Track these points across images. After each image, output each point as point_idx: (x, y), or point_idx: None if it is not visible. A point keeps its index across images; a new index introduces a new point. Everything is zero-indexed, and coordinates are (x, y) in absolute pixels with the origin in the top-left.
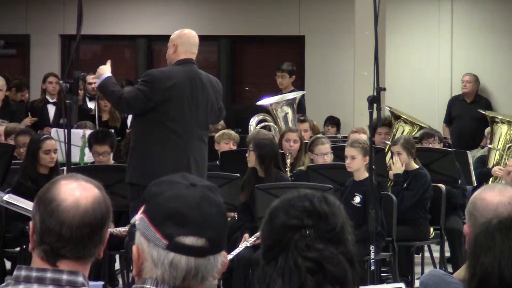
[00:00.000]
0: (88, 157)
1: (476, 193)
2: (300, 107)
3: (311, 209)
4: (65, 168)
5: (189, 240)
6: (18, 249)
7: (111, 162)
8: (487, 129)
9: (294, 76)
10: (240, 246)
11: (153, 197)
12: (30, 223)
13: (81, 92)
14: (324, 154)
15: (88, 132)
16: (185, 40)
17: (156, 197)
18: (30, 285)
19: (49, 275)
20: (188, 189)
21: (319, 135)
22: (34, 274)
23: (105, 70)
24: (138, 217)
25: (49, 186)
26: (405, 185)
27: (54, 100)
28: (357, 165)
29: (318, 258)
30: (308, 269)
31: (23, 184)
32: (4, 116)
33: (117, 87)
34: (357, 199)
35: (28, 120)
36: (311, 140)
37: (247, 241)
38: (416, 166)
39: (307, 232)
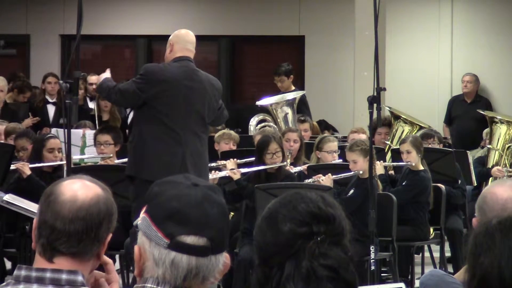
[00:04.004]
0: (88, 158)
1: (487, 187)
2: (304, 107)
3: (319, 214)
4: (65, 168)
5: (190, 239)
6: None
7: (115, 157)
8: (486, 130)
9: (292, 76)
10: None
11: (155, 196)
12: (34, 219)
13: (81, 92)
14: (333, 152)
15: (88, 132)
16: (181, 38)
17: (158, 196)
18: (30, 285)
19: (48, 275)
20: (190, 189)
21: (326, 134)
22: (33, 274)
23: (105, 75)
24: (140, 217)
25: (54, 183)
26: (404, 182)
27: (54, 100)
28: (361, 167)
29: (334, 265)
30: (327, 278)
31: (22, 180)
32: (5, 116)
33: (113, 83)
34: (350, 192)
35: (30, 120)
36: (319, 139)
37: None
38: (421, 168)
39: (319, 238)
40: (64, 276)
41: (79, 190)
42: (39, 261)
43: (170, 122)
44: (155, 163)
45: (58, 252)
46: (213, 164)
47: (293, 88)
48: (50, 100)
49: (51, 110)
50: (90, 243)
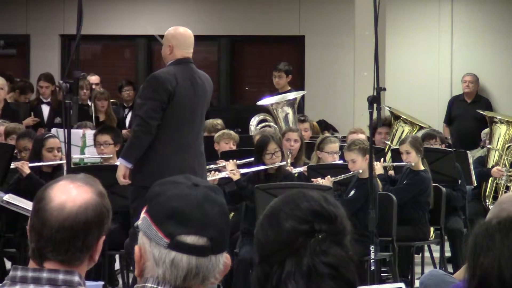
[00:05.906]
0: (88, 158)
1: None
2: (298, 107)
3: (321, 212)
4: (65, 168)
5: (190, 239)
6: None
7: (115, 157)
8: (484, 131)
9: (291, 76)
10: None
11: (155, 196)
12: (28, 220)
13: (86, 92)
14: (334, 153)
15: (88, 132)
16: (181, 41)
17: (158, 196)
18: (27, 285)
19: (45, 275)
20: (191, 189)
21: (328, 135)
22: (30, 274)
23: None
24: (141, 217)
25: (48, 184)
26: (404, 182)
27: (48, 100)
28: (360, 166)
29: (335, 263)
30: (328, 275)
31: (22, 180)
32: (6, 116)
33: (127, 141)
34: (351, 193)
35: (30, 120)
36: (320, 139)
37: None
38: (422, 168)
39: (320, 236)
40: (60, 276)
41: (68, 196)
42: (31, 264)
43: (178, 126)
44: (164, 172)
45: (47, 258)
46: (212, 166)
47: (288, 88)
48: (45, 100)
49: (45, 110)
50: (78, 251)
